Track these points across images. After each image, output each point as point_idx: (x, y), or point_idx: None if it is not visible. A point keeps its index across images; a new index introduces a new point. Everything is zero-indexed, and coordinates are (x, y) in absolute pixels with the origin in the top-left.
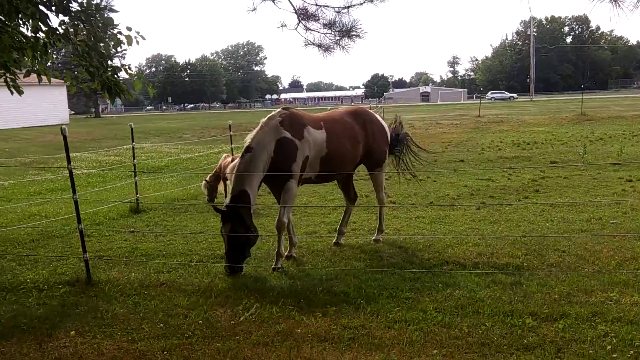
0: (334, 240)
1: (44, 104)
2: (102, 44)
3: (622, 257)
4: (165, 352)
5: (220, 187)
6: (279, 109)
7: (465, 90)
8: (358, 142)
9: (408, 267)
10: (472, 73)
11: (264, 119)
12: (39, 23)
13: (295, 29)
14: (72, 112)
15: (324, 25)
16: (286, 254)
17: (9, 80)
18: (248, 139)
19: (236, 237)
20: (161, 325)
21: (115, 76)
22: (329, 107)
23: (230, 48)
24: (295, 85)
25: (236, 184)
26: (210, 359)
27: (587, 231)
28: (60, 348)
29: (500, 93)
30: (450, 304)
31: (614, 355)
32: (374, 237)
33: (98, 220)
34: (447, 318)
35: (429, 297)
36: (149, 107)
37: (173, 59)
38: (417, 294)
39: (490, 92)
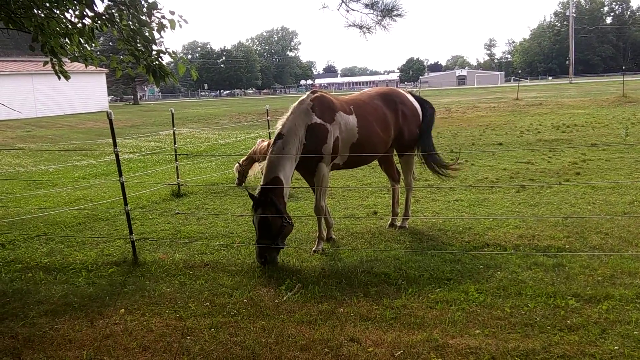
0: (388, 222)
1: (84, 92)
2: (146, 28)
3: None
4: (212, 329)
5: (252, 171)
6: (308, 92)
7: (503, 73)
8: (389, 126)
9: (448, 249)
10: (509, 56)
11: (294, 104)
12: (85, 9)
13: (338, 9)
14: (110, 99)
15: (366, 5)
16: (326, 236)
17: (56, 65)
18: (279, 125)
19: (268, 225)
20: (207, 303)
21: (160, 59)
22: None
23: (264, 34)
24: (330, 70)
25: (268, 171)
26: (255, 336)
27: (630, 213)
28: (111, 325)
29: None
30: (492, 285)
31: None
32: (398, 224)
33: (141, 203)
34: (489, 299)
35: (470, 278)
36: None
37: (209, 45)
38: (458, 275)
39: None
